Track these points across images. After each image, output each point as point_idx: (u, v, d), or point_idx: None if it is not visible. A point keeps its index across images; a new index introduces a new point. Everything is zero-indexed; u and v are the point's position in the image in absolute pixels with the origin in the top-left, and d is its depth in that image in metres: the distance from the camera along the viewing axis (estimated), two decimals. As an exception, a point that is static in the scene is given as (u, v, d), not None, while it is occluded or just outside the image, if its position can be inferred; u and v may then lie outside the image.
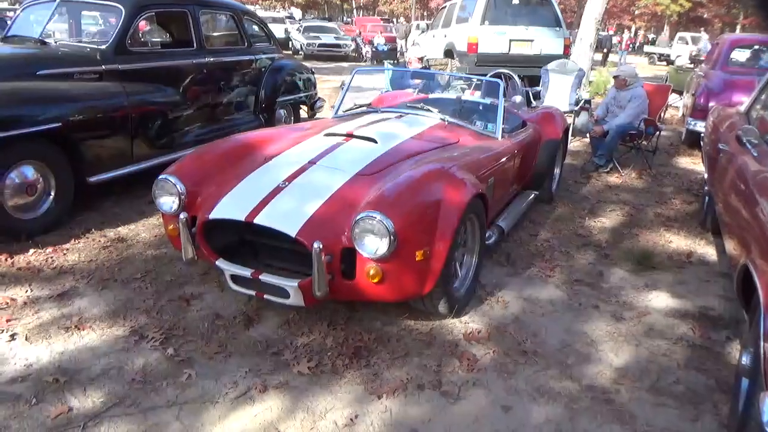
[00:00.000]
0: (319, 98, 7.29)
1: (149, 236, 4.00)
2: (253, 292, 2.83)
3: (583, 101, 7.19)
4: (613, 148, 6.16)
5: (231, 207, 2.80)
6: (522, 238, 4.22)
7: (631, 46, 28.06)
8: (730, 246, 3.05)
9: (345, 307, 3.09)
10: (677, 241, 4.31)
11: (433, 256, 2.64)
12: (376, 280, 2.56)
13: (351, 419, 2.30)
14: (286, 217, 2.68)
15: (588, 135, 6.59)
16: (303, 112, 7.11)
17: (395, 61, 20.29)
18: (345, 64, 19.39)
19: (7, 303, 3.04)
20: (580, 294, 3.36)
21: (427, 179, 2.82)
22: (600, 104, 6.66)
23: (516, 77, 5.67)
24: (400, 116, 3.98)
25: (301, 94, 6.85)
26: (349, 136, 3.40)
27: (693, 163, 7.05)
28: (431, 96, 4.77)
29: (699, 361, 2.75)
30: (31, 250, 3.64)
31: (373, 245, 2.50)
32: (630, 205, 5.16)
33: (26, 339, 2.75)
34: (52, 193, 3.93)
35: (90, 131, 4.11)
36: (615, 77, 6.24)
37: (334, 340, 2.82)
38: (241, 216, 2.72)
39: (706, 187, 4.70)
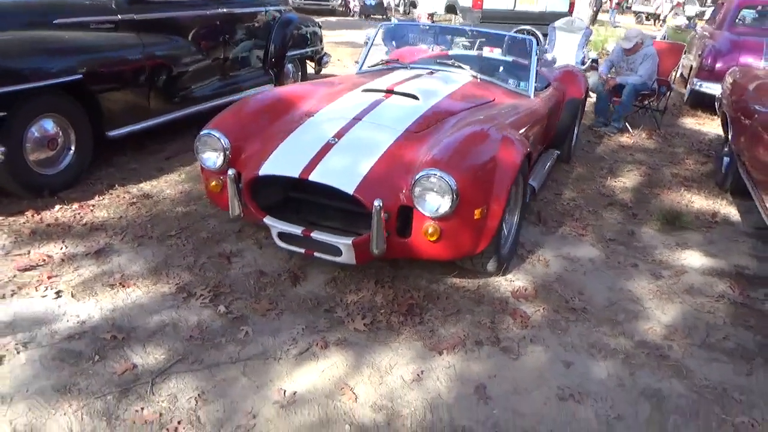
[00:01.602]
0: (326, 53, 7.11)
1: (174, 193, 3.91)
2: (302, 250, 2.80)
3: (590, 60, 7.15)
4: (630, 108, 6.16)
5: (282, 163, 2.74)
6: (548, 198, 4.24)
7: (620, 5, 27.78)
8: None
9: (389, 265, 3.08)
10: (699, 202, 4.37)
11: (489, 214, 2.63)
12: (434, 239, 2.55)
13: (417, 375, 2.32)
14: (342, 174, 2.64)
15: (595, 95, 6.57)
16: (309, 67, 6.94)
17: (384, 17, 19.86)
18: (333, 19, 18.90)
19: (44, 260, 2.97)
20: (617, 253, 3.41)
21: (483, 138, 2.79)
22: (603, 62, 6.61)
23: (540, 35, 5.58)
24: (432, 73, 3.90)
25: (309, 49, 6.67)
26: (390, 92, 3.32)
27: (698, 124, 7.10)
28: (456, 52, 4.67)
29: (743, 318, 2.82)
30: (57, 206, 3.53)
31: (434, 203, 2.48)
32: (646, 165, 5.20)
33: (72, 296, 2.70)
34: (73, 148, 3.80)
35: (109, 83, 3.96)
36: (631, 47, 6.08)
37: (384, 298, 2.82)
38: (294, 172, 2.66)
39: (725, 149, 4.75)
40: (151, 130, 4.44)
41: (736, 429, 2.12)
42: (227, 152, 2.83)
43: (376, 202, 2.46)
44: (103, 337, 2.43)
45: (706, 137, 6.42)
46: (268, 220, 2.79)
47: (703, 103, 7.61)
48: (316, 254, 2.77)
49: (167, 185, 4.04)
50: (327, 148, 2.77)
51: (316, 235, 2.69)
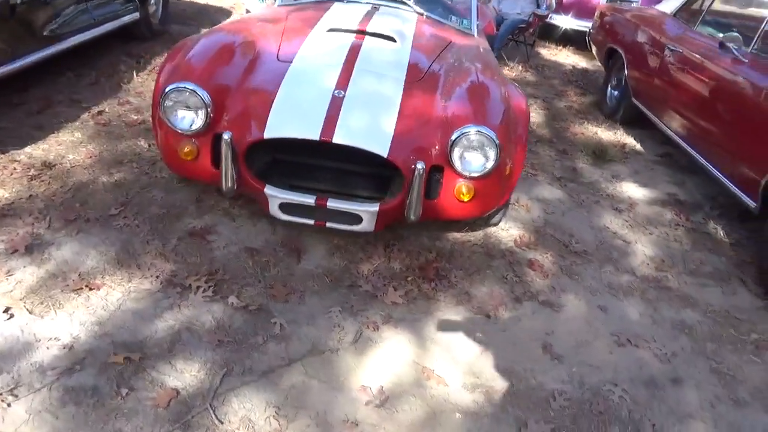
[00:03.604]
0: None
1: (81, 157, 3.14)
2: (310, 221, 2.46)
3: None
4: (504, 41, 6.37)
5: (291, 123, 2.32)
6: (481, 137, 4.26)
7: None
8: (692, 140, 3.53)
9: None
10: (602, 134, 4.76)
11: (515, 167, 2.55)
12: (467, 198, 2.40)
13: (482, 343, 2.24)
14: (368, 134, 2.32)
15: None
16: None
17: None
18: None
19: (-45, 267, 2.21)
20: (575, 191, 3.58)
21: (490, 89, 2.65)
22: None
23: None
24: (376, 8, 3.56)
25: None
26: (362, 33, 2.96)
27: (552, 55, 7.63)
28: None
29: (701, 242, 3.19)
30: (-74, 189, 2.63)
31: (477, 162, 2.32)
32: (540, 99, 5.49)
33: (30, 312, 2.07)
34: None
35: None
36: None
37: (401, 263, 2.64)
38: (313, 134, 2.27)
39: (612, 82, 5.19)
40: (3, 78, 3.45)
41: (756, 345, 2.43)
42: (209, 110, 2.31)
43: (419, 165, 2.23)
44: (113, 361, 1.91)
45: (566, 68, 6.95)
46: (269, 190, 2.38)
47: (548, 34, 8.20)
48: (328, 224, 2.46)
49: (64, 147, 3.22)
50: (336, 102, 2.40)
51: (332, 203, 2.37)
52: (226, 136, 2.24)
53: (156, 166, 3.15)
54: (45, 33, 3.68)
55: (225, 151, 2.26)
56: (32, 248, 2.39)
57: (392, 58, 2.80)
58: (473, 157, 2.32)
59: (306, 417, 1.83)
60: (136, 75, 4.41)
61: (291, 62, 2.65)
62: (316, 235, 2.73)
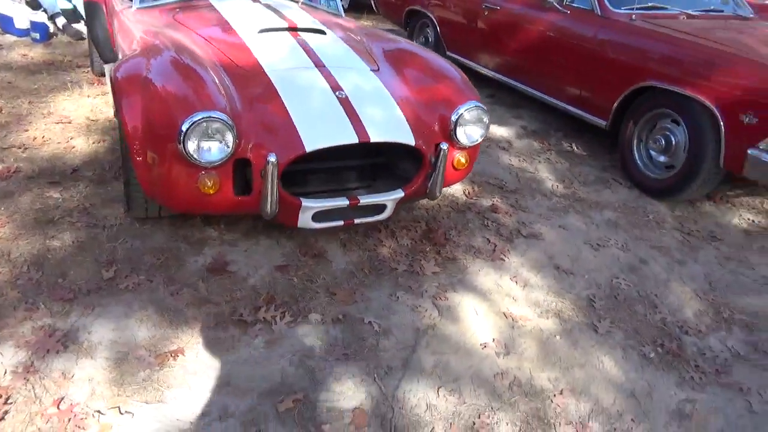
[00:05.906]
0: None
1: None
2: (340, 222, 2.56)
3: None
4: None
5: (325, 133, 2.36)
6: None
7: None
8: (529, 82, 4.40)
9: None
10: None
11: (482, 127, 2.97)
12: (463, 167, 2.77)
13: (520, 282, 2.69)
14: (392, 127, 2.51)
15: None
16: None
17: None
18: None
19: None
20: (465, 140, 4.14)
21: (440, 60, 2.99)
22: None
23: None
24: (258, 0, 3.49)
25: None
26: (294, 30, 2.97)
27: (325, 21, 8.00)
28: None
29: (572, 159, 4.05)
30: None
31: (477, 133, 2.68)
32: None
33: (147, 402, 1.85)
34: None
35: None
36: None
37: (408, 238, 2.90)
38: (351, 137, 2.37)
39: (422, 38, 5.83)
40: None
41: (656, 222, 3.35)
42: (235, 136, 2.20)
43: (443, 146, 2.51)
44: (286, 408, 1.87)
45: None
46: (307, 202, 2.40)
47: None
48: (356, 221, 2.59)
49: (-43, 223, 2.56)
50: (346, 103, 2.49)
51: (363, 199, 2.51)
52: (272, 159, 2.18)
53: (94, 215, 2.76)
54: None
55: (272, 174, 2.20)
56: (66, 339, 2.02)
57: (340, 51, 2.91)
58: (473, 130, 2.67)
59: (468, 384, 2.08)
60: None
61: (264, 71, 2.59)
62: (320, 235, 2.79)
